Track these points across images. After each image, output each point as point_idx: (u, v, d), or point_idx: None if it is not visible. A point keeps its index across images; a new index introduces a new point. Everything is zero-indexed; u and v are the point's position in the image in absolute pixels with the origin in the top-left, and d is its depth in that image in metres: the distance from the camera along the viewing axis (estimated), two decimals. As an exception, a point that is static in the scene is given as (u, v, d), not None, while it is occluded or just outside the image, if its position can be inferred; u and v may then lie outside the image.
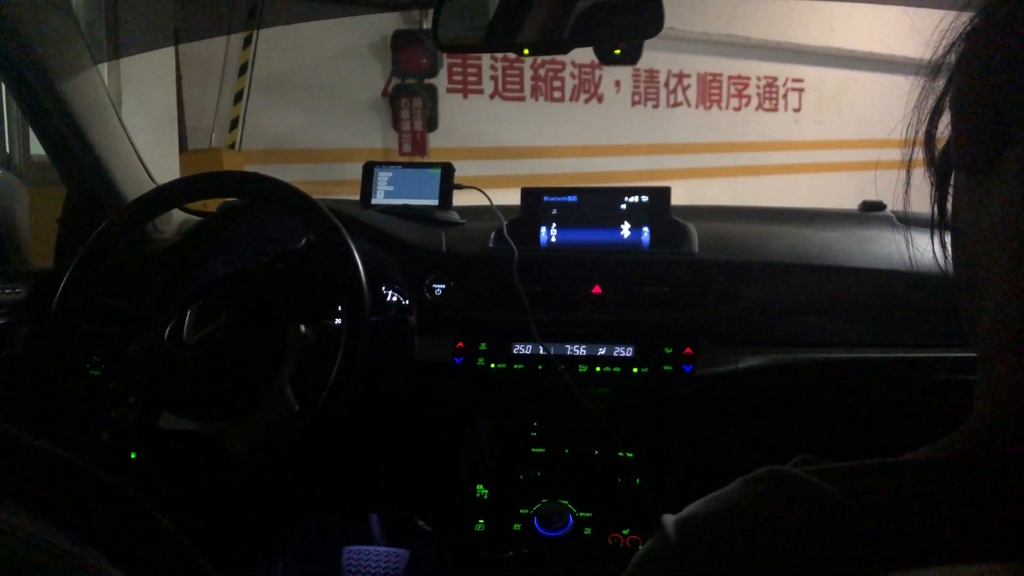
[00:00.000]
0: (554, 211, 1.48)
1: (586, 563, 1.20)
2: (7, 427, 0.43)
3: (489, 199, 1.55)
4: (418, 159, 4.26)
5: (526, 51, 1.26)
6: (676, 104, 5.18)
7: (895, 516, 0.37)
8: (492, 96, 4.63)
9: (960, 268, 0.45)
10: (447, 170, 1.56)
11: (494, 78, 4.63)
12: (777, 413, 1.33)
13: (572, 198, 1.48)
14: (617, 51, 1.27)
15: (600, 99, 4.93)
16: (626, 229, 1.45)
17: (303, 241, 1.28)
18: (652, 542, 0.46)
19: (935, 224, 0.48)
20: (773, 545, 0.39)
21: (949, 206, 0.47)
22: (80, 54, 1.41)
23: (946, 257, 0.47)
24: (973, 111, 0.42)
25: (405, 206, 1.55)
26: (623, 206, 1.46)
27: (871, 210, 1.59)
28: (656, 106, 5.12)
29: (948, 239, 0.47)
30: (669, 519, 0.46)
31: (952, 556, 0.35)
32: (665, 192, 1.45)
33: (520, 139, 4.68)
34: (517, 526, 1.30)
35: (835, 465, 0.43)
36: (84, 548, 0.44)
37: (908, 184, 0.48)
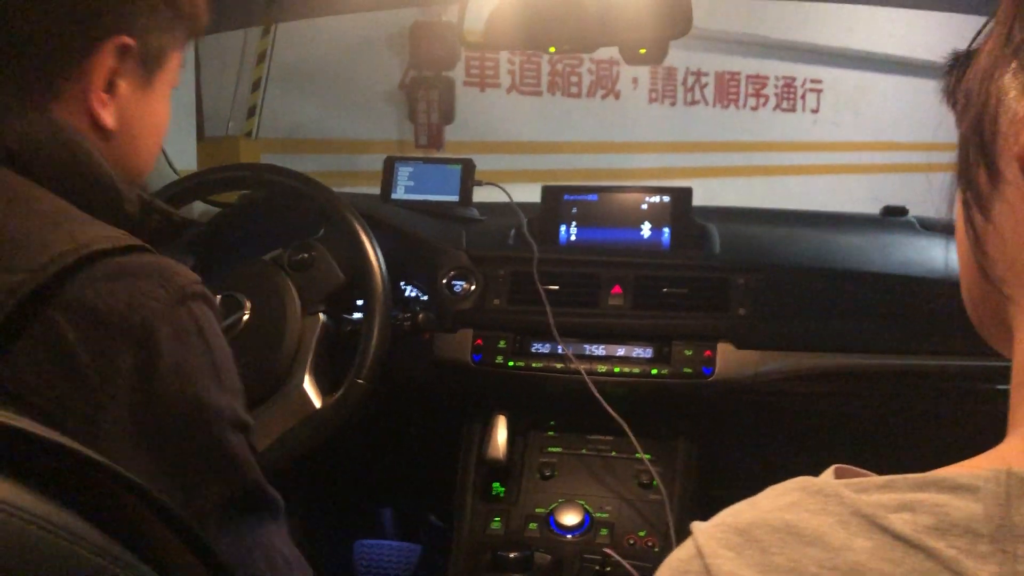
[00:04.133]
0: (574, 209, 1.48)
1: (602, 564, 1.20)
2: (16, 418, 0.44)
3: (509, 196, 1.55)
4: (434, 152, 4.26)
5: (552, 49, 1.26)
6: (693, 102, 5.16)
7: (931, 534, 0.37)
8: (509, 90, 4.62)
9: (993, 275, 0.44)
10: (467, 166, 1.56)
11: (511, 72, 4.61)
12: (797, 418, 1.33)
13: (593, 197, 1.48)
14: (642, 50, 1.26)
15: (617, 95, 4.91)
16: (647, 229, 1.44)
17: (322, 231, 1.29)
18: (681, 549, 0.46)
19: (967, 232, 0.47)
20: (808, 559, 0.39)
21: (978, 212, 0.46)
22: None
23: (978, 264, 0.46)
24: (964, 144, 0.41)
25: (425, 202, 1.55)
26: (644, 206, 1.45)
27: (893, 215, 1.58)
28: (673, 104, 5.10)
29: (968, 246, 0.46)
30: (699, 526, 0.45)
31: None
32: (687, 193, 1.45)
33: (536, 134, 4.66)
34: (533, 525, 1.30)
35: (872, 478, 0.43)
36: (91, 529, 0.44)
37: (964, 194, 0.46)
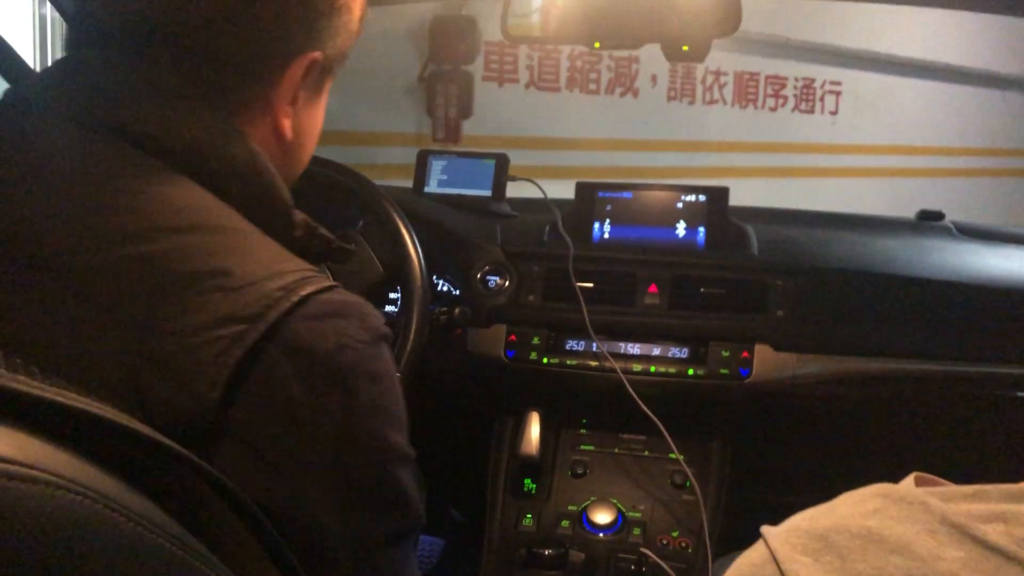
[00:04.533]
0: (608, 207, 1.47)
1: (638, 564, 1.20)
2: (96, 405, 0.44)
3: (543, 192, 1.54)
4: (451, 146, 4.25)
5: (596, 44, 1.25)
6: (712, 102, 5.13)
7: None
8: (527, 85, 4.60)
9: None
10: (501, 161, 1.56)
11: (530, 68, 4.60)
12: (833, 422, 1.32)
13: (627, 194, 1.47)
14: (685, 47, 1.25)
15: (635, 93, 4.89)
16: (681, 228, 1.44)
17: (360, 223, 1.28)
18: (752, 553, 0.45)
19: None
20: (893, 567, 0.38)
21: None
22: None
23: None
24: None
25: (458, 196, 1.54)
26: (679, 204, 1.44)
27: (929, 219, 1.57)
28: (692, 103, 5.07)
29: None
30: (771, 531, 0.45)
31: None
32: (723, 192, 1.44)
33: (553, 130, 4.65)
34: (565, 523, 1.30)
35: (959, 487, 0.42)
36: (171, 521, 0.44)
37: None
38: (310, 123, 0.71)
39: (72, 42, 0.64)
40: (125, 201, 0.55)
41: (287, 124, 0.67)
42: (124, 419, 0.44)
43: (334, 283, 0.59)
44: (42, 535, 0.37)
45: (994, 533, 0.37)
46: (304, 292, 0.55)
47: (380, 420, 0.58)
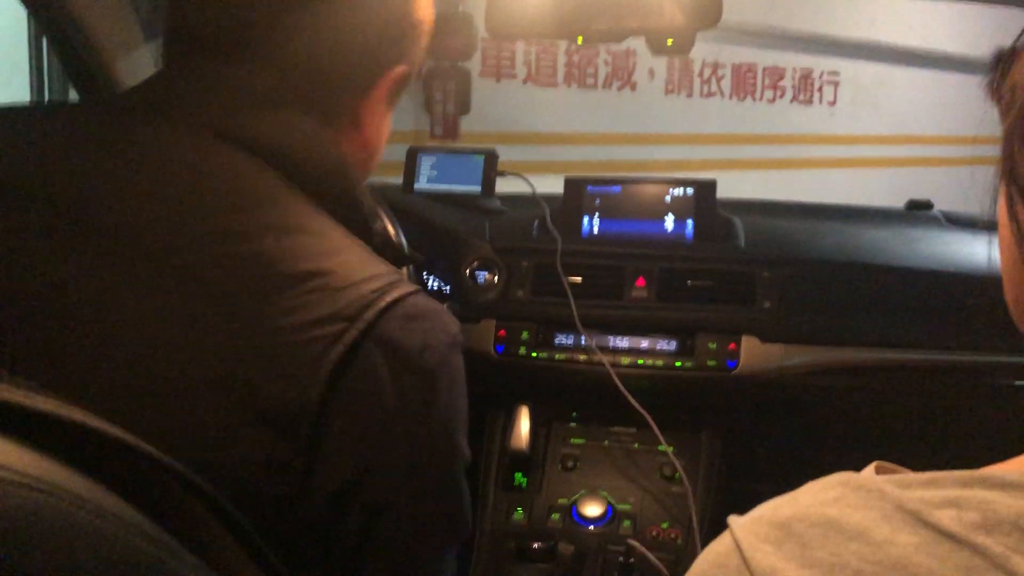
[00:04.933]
0: (597, 201, 1.47)
1: (626, 555, 1.20)
2: (82, 413, 0.44)
3: (532, 187, 1.54)
4: (449, 142, 4.25)
5: (580, 39, 1.25)
6: (710, 94, 5.12)
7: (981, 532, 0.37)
8: (525, 81, 4.60)
9: None
10: (490, 157, 1.56)
11: (527, 63, 4.60)
12: (821, 413, 1.32)
13: (615, 188, 1.48)
14: (669, 41, 1.25)
15: (633, 87, 4.88)
16: (670, 221, 1.44)
17: None
18: (718, 543, 0.46)
19: (1014, 231, 0.46)
20: (850, 553, 0.39)
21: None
22: (133, 33, 1.41)
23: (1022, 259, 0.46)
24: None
25: (448, 192, 1.55)
26: (667, 198, 1.45)
27: (918, 209, 1.57)
28: (689, 96, 5.07)
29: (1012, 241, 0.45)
30: (737, 520, 0.45)
31: None
32: (711, 185, 1.44)
33: (552, 125, 4.65)
34: (555, 516, 1.31)
35: (915, 475, 0.42)
36: (163, 531, 0.45)
37: (1009, 188, 0.46)
38: (385, 132, 0.75)
39: (174, 51, 0.67)
40: (231, 201, 0.59)
41: (371, 133, 0.71)
42: (101, 424, 0.45)
43: (418, 287, 0.63)
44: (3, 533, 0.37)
45: (946, 518, 0.37)
46: (395, 294, 0.59)
47: (452, 420, 0.62)
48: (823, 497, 0.42)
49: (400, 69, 0.70)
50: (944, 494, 0.39)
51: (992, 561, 0.35)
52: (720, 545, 0.45)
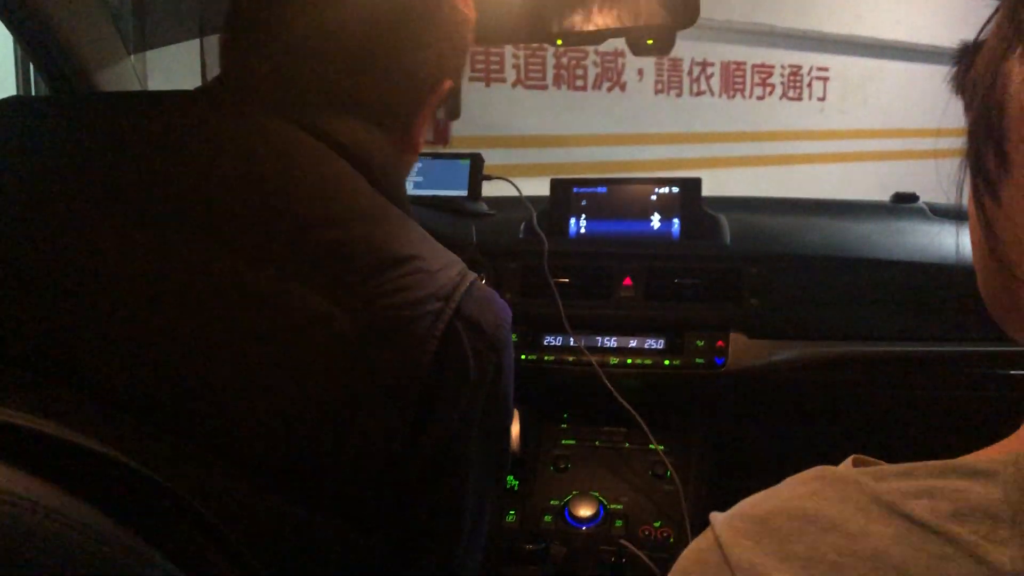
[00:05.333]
0: (583, 202, 1.48)
1: (617, 555, 1.20)
2: (62, 429, 0.45)
3: (518, 190, 1.55)
4: (440, 147, 4.26)
5: (559, 42, 1.26)
6: (699, 93, 5.13)
7: (951, 522, 0.37)
8: (514, 84, 4.61)
9: (1008, 259, 0.44)
10: (476, 161, 1.56)
11: (516, 66, 4.60)
12: (810, 408, 1.32)
13: (602, 189, 1.48)
14: (650, 41, 1.26)
15: (623, 88, 4.89)
16: (656, 220, 1.44)
17: None
18: (701, 540, 0.46)
19: (978, 219, 0.47)
20: (827, 546, 0.39)
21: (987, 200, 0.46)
22: (115, 46, 1.42)
23: (993, 252, 0.46)
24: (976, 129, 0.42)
25: (434, 197, 1.55)
26: (653, 197, 1.45)
27: (903, 202, 1.57)
28: (679, 95, 5.07)
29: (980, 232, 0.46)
30: (718, 516, 0.45)
31: (1013, 565, 0.35)
32: (696, 183, 1.45)
33: (542, 128, 4.65)
34: (548, 517, 1.31)
35: (890, 466, 0.43)
36: (133, 537, 0.46)
37: (975, 179, 0.46)
38: (424, 137, 0.81)
39: (254, 47, 0.71)
40: (320, 188, 0.63)
41: (416, 139, 0.77)
42: (74, 436, 0.46)
43: (478, 274, 0.70)
44: None
45: (919, 508, 0.38)
46: (471, 278, 0.67)
47: (511, 385, 0.70)
48: (801, 491, 0.43)
49: (448, 83, 0.77)
50: (918, 485, 0.39)
51: (964, 549, 0.35)
52: (701, 541, 0.45)
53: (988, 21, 0.43)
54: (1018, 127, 0.39)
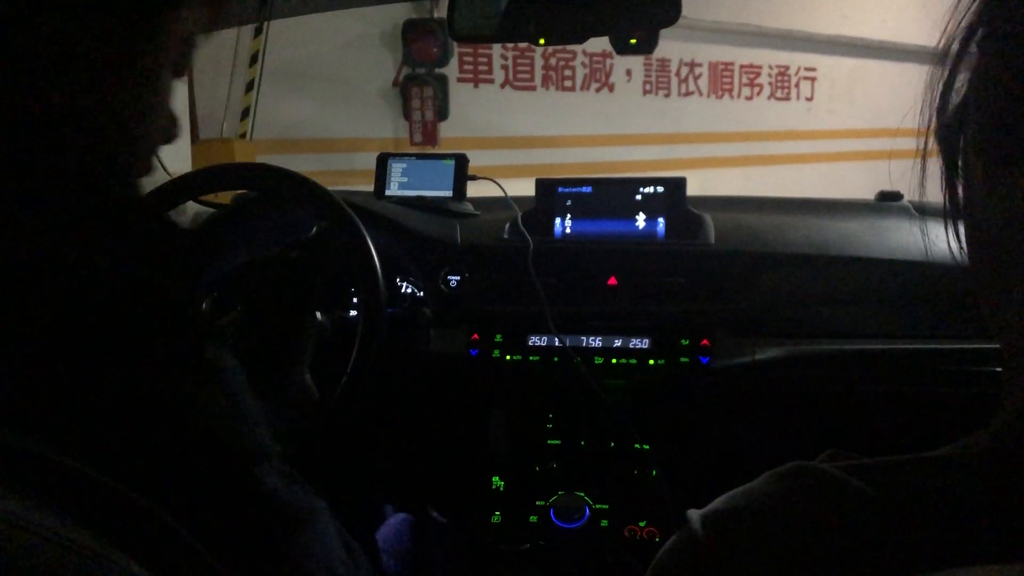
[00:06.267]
0: (568, 202, 1.47)
1: (603, 555, 1.20)
2: (34, 443, 0.44)
3: (503, 190, 1.55)
4: (429, 149, 4.26)
5: (541, 40, 1.25)
6: (688, 93, 5.16)
7: (925, 514, 0.37)
8: (503, 85, 4.62)
9: (981, 259, 0.45)
10: (461, 161, 1.56)
11: (505, 67, 4.61)
12: (795, 405, 1.32)
13: (587, 189, 1.48)
14: (633, 40, 1.26)
15: (611, 88, 4.91)
16: (641, 220, 1.44)
17: (314, 229, 1.28)
18: (677, 537, 0.46)
19: (948, 214, 0.48)
20: (801, 541, 0.39)
21: (960, 195, 0.46)
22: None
23: (961, 248, 0.47)
24: (1004, 101, 0.41)
25: (419, 198, 1.55)
26: (638, 197, 1.45)
27: (888, 200, 1.58)
28: (668, 95, 5.09)
29: (963, 229, 0.46)
30: (695, 514, 0.45)
31: (983, 556, 0.35)
32: (680, 182, 1.44)
33: (531, 129, 4.66)
34: (534, 518, 1.30)
35: (863, 461, 0.43)
36: (108, 548, 0.45)
37: (923, 173, 0.47)
38: None
39: None
40: None
41: None
42: (44, 449, 0.45)
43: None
44: None
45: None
46: None
47: None
48: (777, 486, 0.43)
49: None
50: (893, 479, 0.39)
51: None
52: (678, 539, 0.45)
53: (956, 27, 0.43)
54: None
